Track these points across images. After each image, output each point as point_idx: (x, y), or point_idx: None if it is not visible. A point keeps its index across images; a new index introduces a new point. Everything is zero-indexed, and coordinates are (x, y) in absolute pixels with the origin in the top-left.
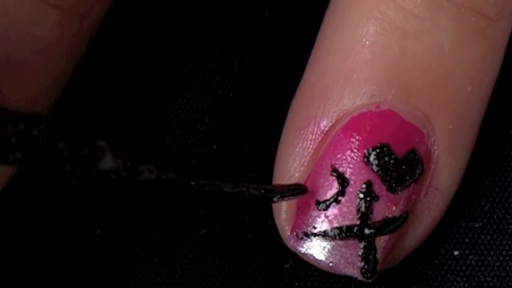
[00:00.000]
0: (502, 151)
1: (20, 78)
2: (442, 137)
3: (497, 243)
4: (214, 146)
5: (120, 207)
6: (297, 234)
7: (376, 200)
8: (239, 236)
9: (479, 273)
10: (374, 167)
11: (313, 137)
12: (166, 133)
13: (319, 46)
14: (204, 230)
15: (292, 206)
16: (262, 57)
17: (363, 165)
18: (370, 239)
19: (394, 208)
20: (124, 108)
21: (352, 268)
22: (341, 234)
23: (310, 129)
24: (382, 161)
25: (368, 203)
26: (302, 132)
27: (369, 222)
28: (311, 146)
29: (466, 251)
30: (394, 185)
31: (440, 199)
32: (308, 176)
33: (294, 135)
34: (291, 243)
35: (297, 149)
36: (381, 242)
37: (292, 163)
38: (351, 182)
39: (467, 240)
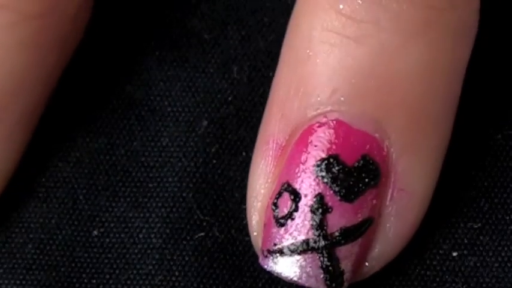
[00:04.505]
0: (502, 151)
1: None
2: (397, 137)
3: (496, 244)
4: (213, 150)
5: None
6: (263, 252)
7: (330, 212)
8: (237, 239)
9: (478, 275)
10: (324, 179)
11: (273, 153)
12: (165, 136)
13: (279, 59)
14: (202, 234)
15: (261, 223)
16: (261, 62)
17: (314, 178)
18: (327, 250)
19: (351, 217)
20: (123, 110)
21: (316, 281)
22: (298, 249)
23: (270, 145)
24: (330, 173)
25: (321, 215)
26: (264, 149)
27: (325, 234)
28: (272, 163)
29: (465, 252)
30: (347, 193)
31: (408, 200)
32: (272, 193)
33: (258, 152)
34: (259, 261)
35: (261, 166)
36: (342, 252)
37: (258, 180)
38: (303, 197)
39: (466, 241)
